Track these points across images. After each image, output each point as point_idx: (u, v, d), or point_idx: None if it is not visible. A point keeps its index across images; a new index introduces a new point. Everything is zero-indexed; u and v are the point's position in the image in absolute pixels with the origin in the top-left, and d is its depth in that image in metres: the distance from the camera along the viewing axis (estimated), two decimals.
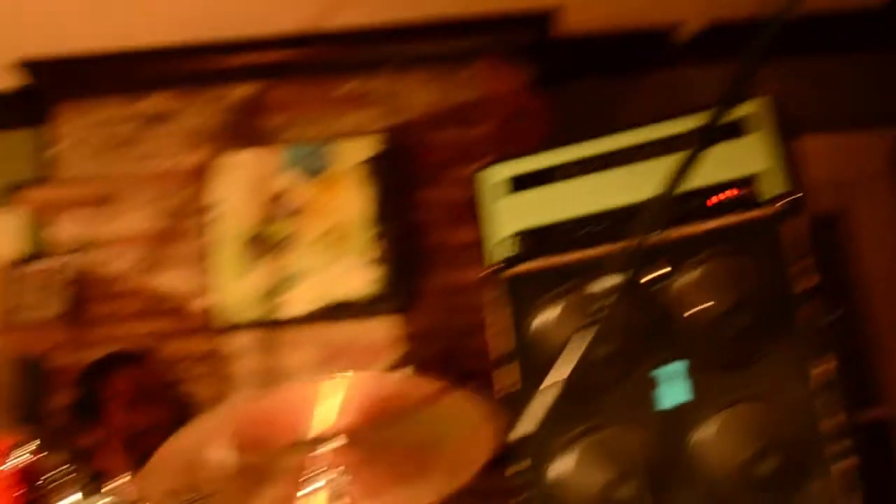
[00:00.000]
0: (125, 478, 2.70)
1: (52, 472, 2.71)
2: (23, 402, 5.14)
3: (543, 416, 2.47)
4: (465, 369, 4.97)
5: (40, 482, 2.71)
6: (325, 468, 2.60)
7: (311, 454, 2.62)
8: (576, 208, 3.97)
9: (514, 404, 3.79)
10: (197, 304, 5.19)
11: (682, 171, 2.35)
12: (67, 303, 5.19)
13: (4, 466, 2.73)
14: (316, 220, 5.13)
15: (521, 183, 4.07)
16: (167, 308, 5.20)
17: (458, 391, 2.61)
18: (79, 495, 2.65)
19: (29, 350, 5.25)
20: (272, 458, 2.67)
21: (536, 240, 3.99)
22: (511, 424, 3.70)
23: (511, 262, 3.97)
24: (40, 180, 5.49)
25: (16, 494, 2.71)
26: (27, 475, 2.73)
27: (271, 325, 5.07)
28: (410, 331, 5.08)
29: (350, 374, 2.53)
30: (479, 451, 2.75)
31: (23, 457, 2.74)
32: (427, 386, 2.62)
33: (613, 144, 3.99)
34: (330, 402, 2.55)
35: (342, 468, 2.62)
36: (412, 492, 2.85)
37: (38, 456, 2.76)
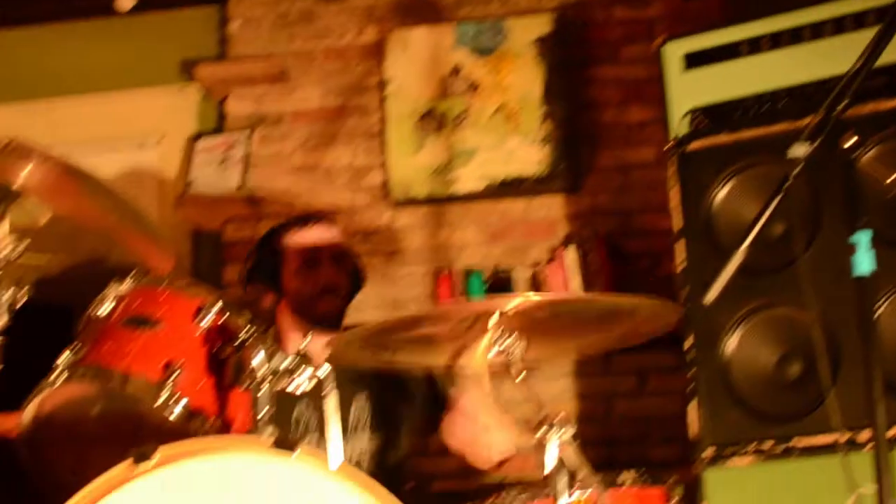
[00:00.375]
0: (305, 339, 2.75)
1: (239, 332, 2.78)
2: (201, 273, 5.27)
3: (722, 289, 2.46)
4: (629, 251, 4.98)
5: (229, 341, 2.79)
6: (501, 334, 2.63)
7: (488, 320, 2.64)
8: (753, 85, 3.92)
9: (688, 280, 3.79)
10: (370, 180, 5.26)
11: (875, 47, 2.31)
12: (242, 177, 5.29)
13: (202, 323, 2.81)
14: (488, 97, 5.14)
15: (698, 60, 4.02)
16: (340, 183, 5.28)
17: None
18: (262, 355, 2.70)
19: (206, 223, 5.37)
20: (451, 321, 2.70)
21: (712, 117, 3.95)
22: (688, 298, 3.72)
23: (686, 139, 3.94)
24: (217, 57, 5.58)
25: (208, 351, 2.79)
26: (216, 334, 2.81)
27: (442, 200, 5.12)
28: (579, 209, 5.08)
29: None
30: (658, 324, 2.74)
31: (209, 317, 2.82)
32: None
33: (792, 22, 3.91)
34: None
35: (517, 334, 2.64)
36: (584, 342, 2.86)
37: (223, 317, 2.83)
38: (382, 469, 3.62)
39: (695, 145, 3.91)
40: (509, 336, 2.61)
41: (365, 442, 3.70)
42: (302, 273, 3.80)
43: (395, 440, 3.77)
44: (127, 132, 5.61)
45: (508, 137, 5.09)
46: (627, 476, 2.91)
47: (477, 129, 5.12)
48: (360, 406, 3.71)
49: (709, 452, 3.69)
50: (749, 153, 3.80)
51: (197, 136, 5.49)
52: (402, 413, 3.78)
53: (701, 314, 3.69)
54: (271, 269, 3.84)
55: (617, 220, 5.04)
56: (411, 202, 5.15)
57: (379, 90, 5.28)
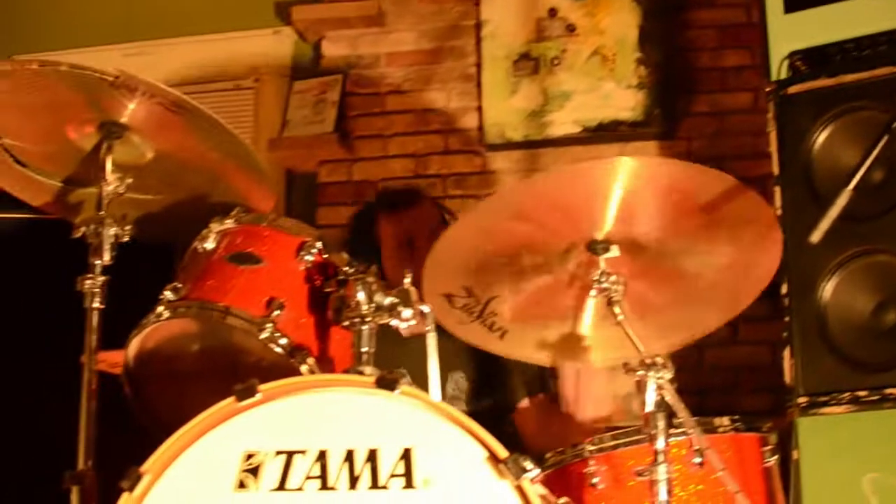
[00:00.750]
0: (407, 277, 2.75)
1: (340, 270, 2.79)
2: (295, 215, 5.30)
3: (824, 232, 2.45)
4: None
5: (331, 278, 2.80)
6: (602, 274, 2.64)
7: (590, 259, 2.66)
8: (854, 28, 3.86)
9: (785, 226, 3.76)
10: (464, 122, 5.25)
11: None
12: (337, 120, 5.31)
13: (304, 258, 2.83)
14: (584, 40, 5.11)
15: (799, 2, 3.96)
16: (435, 126, 5.28)
17: (747, 191, 2.58)
18: (363, 294, 2.71)
19: (300, 165, 5.41)
20: (549, 260, 2.71)
21: (812, 60, 3.90)
22: (786, 245, 3.68)
23: (785, 83, 3.89)
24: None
25: (310, 289, 2.81)
26: (318, 271, 2.82)
27: (536, 144, 5.11)
28: (674, 154, 5.04)
29: (629, 159, 2.51)
30: (759, 271, 2.73)
31: (311, 255, 2.83)
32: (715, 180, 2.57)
33: None
34: (610, 200, 2.57)
35: (618, 276, 2.65)
36: (687, 315, 2.86)
37: (324, 256, 2.84)
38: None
39: (794, 89, 3.85)
40: (611, 276, 2.64)
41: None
42: (397, 256, 3.79)
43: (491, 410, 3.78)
44: (222, 74, 5.65)
45: (604, 81, 5.07)
46: (723, 422, 2.90)
47: (572, 73, 5.10)
48: (456, 381, 3.71)
49: (803, 400, 3.67)
50: (849, 97, 3.73)
51: (292, 79, 5.51)
52: (498, 390, 3.79)
53: (798, 260, 3.66)
54: (367, 253, 3.76)
55: (711, 166, 4.98)
56: (505, 145, 5.15)
57: (475, 32, 5.27)
